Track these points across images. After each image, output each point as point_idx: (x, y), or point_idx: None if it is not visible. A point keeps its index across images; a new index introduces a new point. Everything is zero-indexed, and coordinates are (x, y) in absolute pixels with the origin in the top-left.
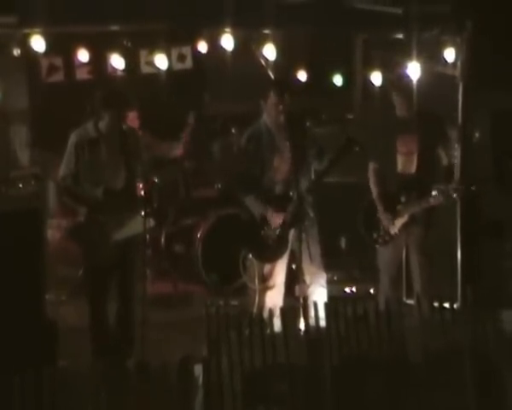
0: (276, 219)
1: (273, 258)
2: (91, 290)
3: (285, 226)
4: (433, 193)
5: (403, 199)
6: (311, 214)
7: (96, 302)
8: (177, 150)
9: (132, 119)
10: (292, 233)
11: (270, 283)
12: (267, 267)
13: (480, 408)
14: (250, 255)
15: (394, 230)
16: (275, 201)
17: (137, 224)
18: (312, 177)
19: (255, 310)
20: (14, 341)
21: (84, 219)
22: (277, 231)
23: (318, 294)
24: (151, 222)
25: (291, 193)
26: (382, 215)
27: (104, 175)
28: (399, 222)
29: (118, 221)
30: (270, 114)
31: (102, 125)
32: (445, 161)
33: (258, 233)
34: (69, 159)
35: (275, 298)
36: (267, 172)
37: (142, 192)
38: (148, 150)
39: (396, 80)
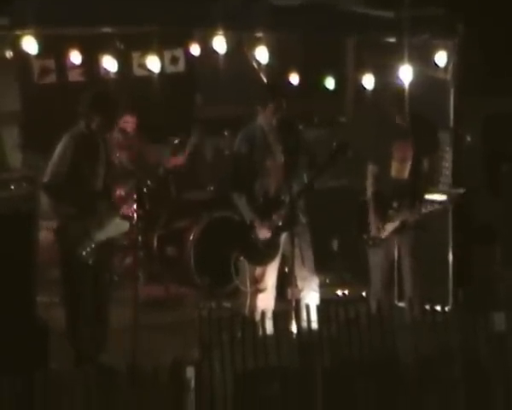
0: (265, 231)
1: (264, 261)
2: (69, 290)
3: (276, 230)
4: (426, 201)
5: (395, 204)
6: (303, 219)
7: (75, 302)
8: (178, 162)
9: (131, 123)
10: (283, 237)
11: (262, 286)
12: (258, 270)
13: (470, 409)
14: (242, 258)
15: (385, 233)
16: (266, 204)
17: (118, 225)
18: (304, 181)
19: (247, 312)
20: (6, 343)
21: (69, 219)
22: (268, 235)
23: (310, 298)
24: (139, 224)
25: (283, 197)
26: (373, 218)
27: (92, 176)
28: (391, 226)
29: (99, 222)
30: (264, 116)
31: (94, 126)
32: (437, 168)
33: (249, 236)
34: (61, 158)
35: (266, 301)
36: (259, 175)
37: (135, 196)
38: (141, 154)
39: (390, 85)
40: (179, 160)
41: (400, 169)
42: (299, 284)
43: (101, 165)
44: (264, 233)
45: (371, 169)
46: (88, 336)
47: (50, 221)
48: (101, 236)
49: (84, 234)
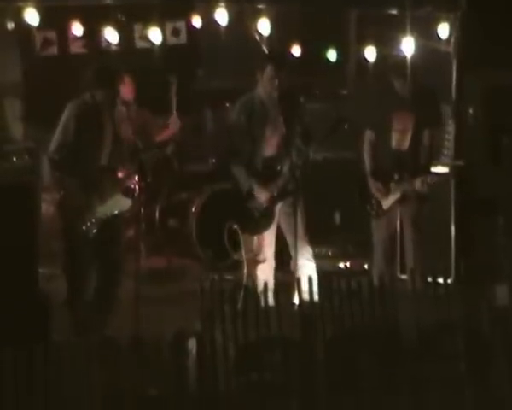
0: (263, 197)
1: (258, 230)
2: (71, 263)
3: (272, 200)
4: (428, 173)
5: (396, 176)
6: (298, 190)
7: (76, 275)
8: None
9: (128, 84)
10: (279, 207)
11: (261, 257)
12: (256, 242)
13: (472, 382)
14: (235, 226)
15: (387, 204)
16: (264, 173)
17: (119, 202)
18: (303, 151)
19: (245, 283)
20: (7, 315)
21: (72, 192)
22: (264, 204)
23: (305, 268)
24: (141, 198)
25: (279, 167)
26: (375, 189)
27: (97, 149)
28: (392, 197)
29: (101, 197)
30: (264, 87)
31: (99, 98)
32: (439, 139)
33: (244, 205)
34: (66, 129)
35: (266, 272)
36: (258, 144)
37: (138, 167)
38: (145, 127)
39: (392, 57)
40: (170, 131)
41: (400, 140)
42: (293, 254)
43: (106, 139)
44: (263, 199)
45: (368, 135)
46: (90, 308)
47: (52, 193)
48: (102, 212)
49: (85, 208)
